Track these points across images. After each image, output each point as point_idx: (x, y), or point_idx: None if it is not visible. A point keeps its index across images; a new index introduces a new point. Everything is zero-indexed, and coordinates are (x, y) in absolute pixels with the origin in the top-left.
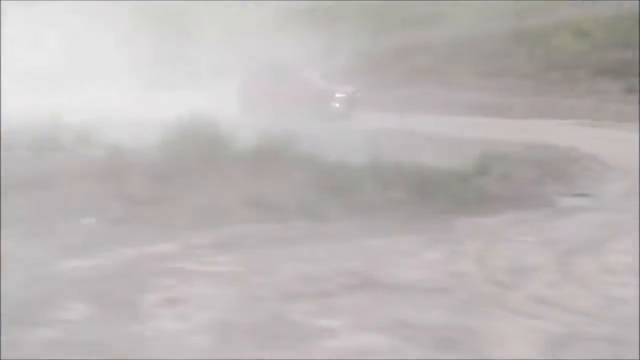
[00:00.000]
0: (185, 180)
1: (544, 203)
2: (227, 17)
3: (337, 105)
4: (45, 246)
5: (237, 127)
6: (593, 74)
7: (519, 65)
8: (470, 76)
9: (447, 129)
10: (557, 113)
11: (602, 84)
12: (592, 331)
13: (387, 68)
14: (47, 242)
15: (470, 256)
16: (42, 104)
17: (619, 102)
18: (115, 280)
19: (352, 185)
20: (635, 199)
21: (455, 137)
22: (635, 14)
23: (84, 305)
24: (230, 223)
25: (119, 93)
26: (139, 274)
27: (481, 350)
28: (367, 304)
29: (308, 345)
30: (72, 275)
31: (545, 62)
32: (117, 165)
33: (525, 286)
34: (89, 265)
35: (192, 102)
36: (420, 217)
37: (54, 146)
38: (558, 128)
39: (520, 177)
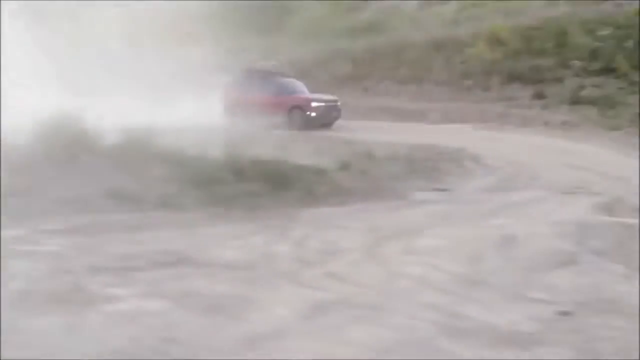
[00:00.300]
0: (51, 174)
1: (397, 196)
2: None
3: (314, 114)
4: None
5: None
6: (505, 80)
7: (436, 73)
8: (389, 83)
9: (353, 134)
10: (468, 118)
11: (513, 90)
12: (358, 300)
13: (309, 76)
14: None
15: (292, 240)
16: None
17: (526, 107)
18: None
19: (211, 178)
20: (492, 194)
21: (354, 139)
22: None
23: None
24: (87, 213)
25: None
26: None
27: (241, 314)
28: (167, 277)
29: (87, 309)
30: None
31: (461, 70)
32: None
33: (326, 264)
34: None
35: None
36: (270, 207)
37: None
38: (464, 131)
39: (383, 173)
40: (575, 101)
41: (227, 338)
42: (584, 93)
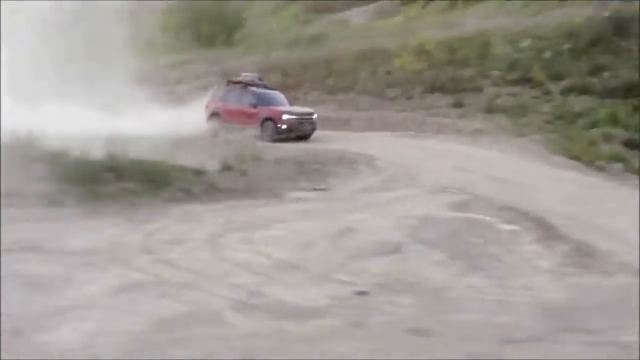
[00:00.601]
0: None
1: (272, 195)
2: None
3: (284, 126)
4: None
5: None
6: (427, 90)
7: (362, 83)
8: (318, 93)
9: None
10: (389, 126)
11: (434, 100)
12: (171, 280)
13: None
14: None
15: (146, 232)
16: None
17: (444, 115)
18: None
19: (92, 178)
20: (366, 193)
21: (267, 145)
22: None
23: None
24: None
25: None
26: None
27: (58, 291)
28: (8, 262)
29: None
30: None
31: (386, 80)
32: None
33: (164, 252)
34: None
35: None
36: (145, 204)
37: None
38: (379, 138)
39: (265, 175)
40: (490, 110)
41: (37, 309)
42: (499, 102)
